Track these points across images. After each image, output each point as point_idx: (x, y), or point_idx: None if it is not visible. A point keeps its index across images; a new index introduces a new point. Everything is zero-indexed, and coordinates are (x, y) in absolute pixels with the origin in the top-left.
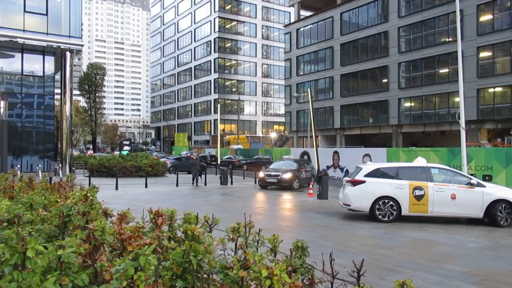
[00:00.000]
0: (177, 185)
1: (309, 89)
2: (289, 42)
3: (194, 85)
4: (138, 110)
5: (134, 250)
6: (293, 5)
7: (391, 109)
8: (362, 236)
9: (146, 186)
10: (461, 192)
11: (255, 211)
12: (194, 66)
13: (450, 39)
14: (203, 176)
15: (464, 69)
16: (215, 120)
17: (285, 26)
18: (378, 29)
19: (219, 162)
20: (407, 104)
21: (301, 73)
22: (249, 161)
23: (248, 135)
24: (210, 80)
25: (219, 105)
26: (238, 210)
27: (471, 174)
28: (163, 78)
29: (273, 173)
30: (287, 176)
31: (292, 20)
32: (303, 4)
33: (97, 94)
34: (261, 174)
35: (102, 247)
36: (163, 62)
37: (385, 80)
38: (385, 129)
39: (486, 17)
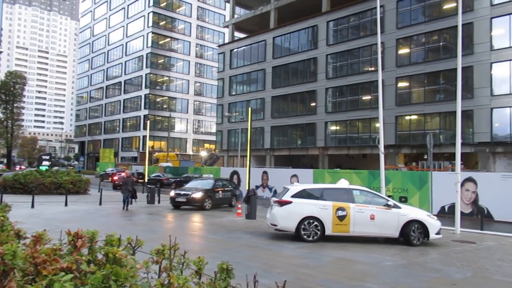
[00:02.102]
0: (100, 204)
1: (250, 109)
2: (223, 62)
3: (124, 100)
4: (61, 123)
5: (49, 276)
6: (227, 26)
7: (318, 131)
8: (288, 256)
9: (66, 205)
10: (379, 213)
11: (183, 231)
12: (124, 80)
13: (373, 69)
14: (135, 199)
15: (384, 97)
16: (144, 137)
17: (219, 46)
18: (308, 55)
19: (146, 180)
20: (333, 128)
21: (234, 93)
22: (178, 179)
23: (178, 153)
24: (141, 96)
25: (149, 121)
26: (165, 230)
27: (389, 196)
28: (90, 91)
29: (182, 193)
30: (198, 195)
31: (226, 41)
32: (237, 26)
33: (15, 105)
34: (172, 193)
35: (12, 272)
36: (91, 75)
37: (313, 104)
38: (313, 151)
39: (404, 51)
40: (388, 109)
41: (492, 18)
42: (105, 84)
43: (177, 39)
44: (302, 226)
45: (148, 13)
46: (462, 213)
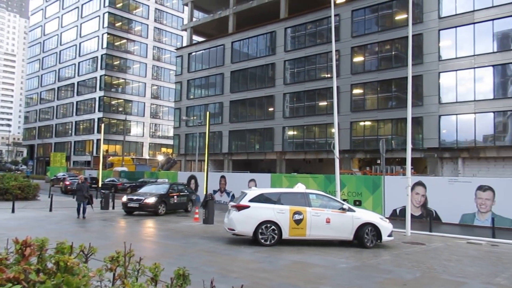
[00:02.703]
0: (50, 210)
1: (208, 113)
2: (181, 65)
3: (77, 102)
4: (8, 125)
5: None
6: (185, 30)
7: (276, 136)
8: (245, 260)
9: (13, 211)
10: (335, 216)
11: (138, 237)
12: (78, 82)
13: (329, 75)
14: (91, 205)
15: (340, 104)
16: (98, 140)
17: (177, 49)
18: (266, 61)
19: (100, 185)
20: (291, 133)
21: (192, 97)
22: (134, 184)
23: (133, 157)
24: (95, 98)
25: (103, 124)
26: (120, 237)
27: (344, 200)
28: (40, 92)
29: (135, 198)
30: (151, 201)
31: (185, 44)
32: (196, 29)
33: None
34: (124, 198)
35: None
36: (42, 75)
37: (271, 109)
38: (270, 156)
39: (358, 59)
40: (343, 115)
41: (440, 30)
42: (57, 85)
43: (134, 40)
44: (260, 230)
45: (104, 14)
46: (412, 216)
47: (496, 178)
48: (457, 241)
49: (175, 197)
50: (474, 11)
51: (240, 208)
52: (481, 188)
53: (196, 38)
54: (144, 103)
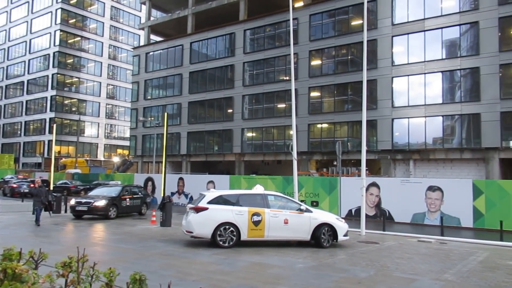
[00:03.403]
0: None
1: (166, 114)
2: (138, 65)
3: (26, 101)
4: None
5: None
6: (143, 29)
7: (235, 138)
8: (203, 262)
9: None
10: (293, 217)
11: (93, 242)
12: (28, 80)
13: (287, 78)
14: (51, 211)
15: (298, 106)
16: (50, 141)
17: (134, 48)
18: (225, 62)
19: (52, 188)
20: (249, 134)
21: (149, 97)
22: (88, 186)
23: (88, 158)
24: (46, 97)
25: (55, 124)
26: (73, 241)
27: (301, 201)
28: None
29: (84, 201)
30: (100, 204)
31: (142, 43)
32: (154, 29)
33: None
34: (72, 201)
35: None
36: None
37: (230, 110)
38: (229, 157)
39: (316, 62)
40: (301, 117)
41: (393, 36)
42: (5, 83)
43: (89, 38)
44: (218, 232)
45: (56, 10)
46: (367, 216)
47: (445, 178)
48: (409, 239)
49: (128, 199)
50: (424, 19)
51: (198, 210)
52: (431, 188)
53: (154, 38)
54: (99, 103)
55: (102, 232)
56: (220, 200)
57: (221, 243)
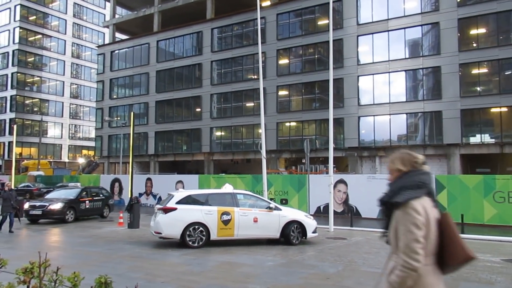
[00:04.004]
0: None
1: (132, 113)
2: (103, 64)
3: None
4: None
5: None
6: (107, 26)
7: (203, 137)
8: (173, 263)
9: None
10: (262, 215)
11: (56, 246)
12: None
13: (256, 77)
14: (18, 218)
15: (266, 105)
16: (10, 143)
17: (99, 46)
18: (193, 61)
19: None
20: (218, 133)
21: (115, 97)
22: (52, 189)
23: (51, 160)
24: (6, 97)
25: (16, 125)
26: (35, 246)
27: (271, 199)
28: None
29: (38, 204)
30: (56, 207)
31: (107, 41)
32: (119, 26)
33: None
34: (26, 205)
35: None
36: None
37: (198, 110)
38: (198, 157)
39: (284, 61)
40: (270, 116)
41: (358, 36)
42: None
43: (50, 36)
44: (188, 233)
45: (15, 6)
46: (335, 212)
47: None
48: (376, 234)
49: (87, 202)
50: (388, 19)
51: (166, 210)
52: None
53: (119, 36)
54: (63, 102)
55: (67, 236)
56: (189, 200)
57: (190, 243)
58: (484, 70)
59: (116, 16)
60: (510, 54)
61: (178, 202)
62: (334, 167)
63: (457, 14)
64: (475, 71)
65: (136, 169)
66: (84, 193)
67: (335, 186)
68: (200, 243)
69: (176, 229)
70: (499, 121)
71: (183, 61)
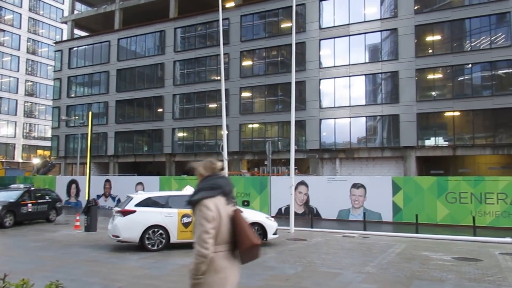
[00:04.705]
0: None
1: (90, 113)
2: (60, 61)
3: None
4: None
5: None
6: (66, 22)
7: (165, 138)
8: (131, 267)
9: None
10: None
11: (5, 252)
12: None
13: (219, 78)
14: None
15: (229, 106)
16: None
17: (56, 43)
18: (155, 60)
19: None
20: (180, 134)
21: (73, 95)
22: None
23: (3, 160)
24: None
25: None
26: None
27: None
28: None
29: None
30: None
31: (65, 38)
32: (78, 23)
33: None
34: None
35: None
36: None
37: (160, 110)
38: (159, 158)
39: (247, 63)
40: (232, 117)
41: (320, 39)
42: None
43: (4, 30)
44: (147, 236)
45: None
46: (296, 214)
47: (367, 176)
48: (335, 235)
49: (30, 205)
50: (349, 24)
51: (125, 213)
52: (355, 185)
53: (78, 32)
54: (17, 100)
55: (19, 240)
56: (148, 202)
57: (149, 246)
58: (439, 75)
59: (75, 12)
60: (463, 60)
61: (137, 205)
62: (295, 168)
63: (414, 21)
64: (430, 76)
65: (94, 170)
66: (27, 195)
67: (296, 188)
68: (160, 246)
69: (134, 232)
70: (452, 125)
71: (145, 60)
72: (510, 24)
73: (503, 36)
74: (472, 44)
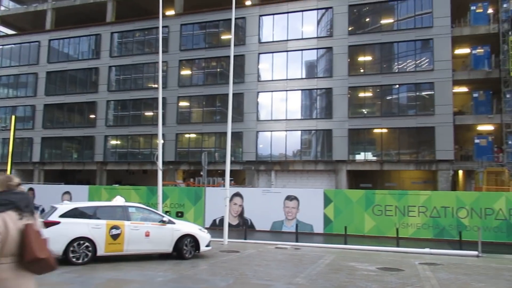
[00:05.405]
0: None
1: (14, 116)
2: None
3: None
4: None
5: None
6: None
7: (97, 145)
8: (53, 283)
9: None
10: (154, 229)
11: None
12: None
13: (156, 86)
14: None
15: (166, 115)
16: None
17: None
18: (89, 64)
19: None
20: (114, 142)
21: None
22: None
23: None
24: None
25: None
26: None
27: (166, 212)
28: None
29: None
30: None
31: None
32: (4, 20)
33: None
34: None
35: None
36: None
37: (93, 116)
38: (90, 166)
39: (186, 72)
40: (169, 126)
41: (259, 53)
42: None
43: None
44: (71, 248)
45: None
46: (230, 225)
47: (301, 188)
48: (268, 246)
49: None
50: (287, 40)
51: (48, 224)
52: (289, 197)
53: (4, 30)
54: None
55: None
56: (75, 213)
57: (74, 260)
58: (369, 94)
59: (2, 8)
60: (391, 81)
61: (62, 216)
62: (231, 180)
63: (348, 41)
64: (361, 94)
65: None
66: None
67: (231, 199)
68: (85, 259)
69: (58, 244)
70: (380, 141)
71: (78, 63)
72: (432, 50)
73: (427, 60)
74: (400, 66)
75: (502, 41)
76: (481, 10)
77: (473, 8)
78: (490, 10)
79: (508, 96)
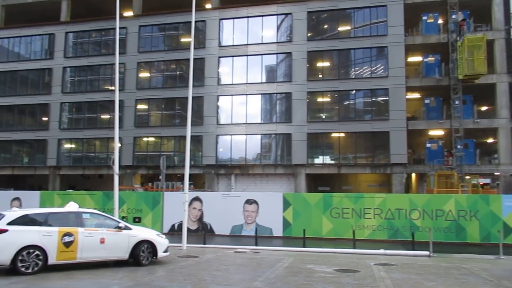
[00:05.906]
0: None
1: None
2: None
3: None
4: None
5: None
6: None
7: (49, 149)
8: None
9: None
10: (110, 235)
11: None
12: None
13: (113, 88)
14: None
15: (124, 118)
16: None
17: None
18: (42, 65)
19: None
20: (68, 146)
21: None
22: None
23: None
24: None
25: None
26: None
27: (123, 217)
28: None
29: None
30: None
31: None
32: None
33: None
34: None
35: None
36: None
37: (45, 119)
38: (42, 171)
39: (144, 74)
40: (127, 129)
41: (219, 57)
42: None
43: None
44: (20, 258)
45: None
46: (189, 230)
47: (261, 192)
48: (227, 251)
49: None
50: (247, 44)
51: None
52: (248, 201)
53: None
54: None
55: None
56: (24, 220)
57: (23, 269)
58: (327, 99)
59: None
60: (348, 87)
61: (10, 223)
62: (191, 184)
63: (307, 47)
64: (320, 99)
65: None
66: None
67: (190, 204)
68: (36, 268)
69: (5, 254)
70: (338, 145)
71: (30, 64)
72: (387, 57)
73: (382, 67)
74: (356, 72)
75: (451, 50)
76: (432, 20)
77: (424, 18)
78: (440, 21)
79: (457, 102)
